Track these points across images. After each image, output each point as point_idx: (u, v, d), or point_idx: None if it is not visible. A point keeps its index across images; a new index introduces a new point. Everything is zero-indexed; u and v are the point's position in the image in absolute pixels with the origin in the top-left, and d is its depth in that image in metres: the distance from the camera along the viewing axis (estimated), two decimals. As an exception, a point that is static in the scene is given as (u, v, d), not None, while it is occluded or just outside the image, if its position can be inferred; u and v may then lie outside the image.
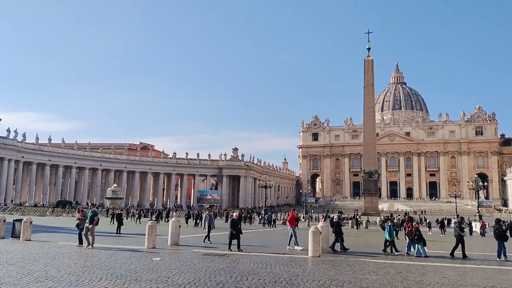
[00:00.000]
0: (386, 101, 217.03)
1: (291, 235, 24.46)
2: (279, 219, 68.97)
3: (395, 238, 36.56)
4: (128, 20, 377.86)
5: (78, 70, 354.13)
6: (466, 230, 53.54)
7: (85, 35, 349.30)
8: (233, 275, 14.05)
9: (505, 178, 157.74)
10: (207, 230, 27.70)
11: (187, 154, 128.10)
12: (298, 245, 23.96)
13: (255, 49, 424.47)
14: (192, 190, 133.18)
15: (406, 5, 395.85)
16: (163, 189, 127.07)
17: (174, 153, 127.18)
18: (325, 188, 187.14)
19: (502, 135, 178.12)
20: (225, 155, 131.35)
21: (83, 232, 21.38)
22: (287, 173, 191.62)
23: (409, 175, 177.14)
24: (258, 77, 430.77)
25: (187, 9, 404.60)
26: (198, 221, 48.30)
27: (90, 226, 21.25)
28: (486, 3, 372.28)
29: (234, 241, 21.78)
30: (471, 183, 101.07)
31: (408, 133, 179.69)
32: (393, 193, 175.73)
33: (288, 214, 36.98)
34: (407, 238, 23.85)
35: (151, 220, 45.79)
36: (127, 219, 59.46)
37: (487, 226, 52.18)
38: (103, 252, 19.87)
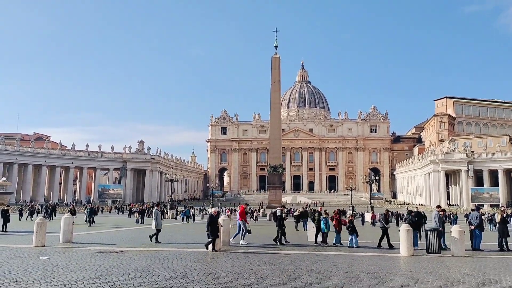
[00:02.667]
0: (292, 98, 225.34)
1: (239, 229, 24.14)
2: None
3: (296, 229, 38.36)
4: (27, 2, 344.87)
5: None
6: (368, 221, 57.61)
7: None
8: (126, 272, 13.51)
9: (394, 173, 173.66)
10: (156, 228, 23.89)
11: (87, 146, 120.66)
12: (243, 240, 23.67)
13: (167, 40, 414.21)
14: (93, 184, 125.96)
15: (312, 7, 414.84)
16: (60, 184, 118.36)
17: (73, 145, 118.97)
18: (233, 182, 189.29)
19: (393, 133, 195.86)
20: (130, 147, 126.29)
21: None
22: (195, 167, 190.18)
23: (311, 169, 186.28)
24: (168, 69, 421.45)
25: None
26: (52, 216, 45.81)
27: None
28: (388, 9, 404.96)
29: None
30: (365, 177, 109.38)
31: (311, 130, 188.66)
32: (297, 187, 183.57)
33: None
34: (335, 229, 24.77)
35: (44, 216, 42.33)
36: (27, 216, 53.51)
37: (377, 216, 56.83)
38: (-19, 253, 17.94)
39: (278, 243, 24.09)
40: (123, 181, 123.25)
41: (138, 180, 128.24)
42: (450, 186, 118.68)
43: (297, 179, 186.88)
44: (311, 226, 43.44)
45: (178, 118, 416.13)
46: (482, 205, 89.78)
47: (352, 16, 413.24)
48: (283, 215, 26.11)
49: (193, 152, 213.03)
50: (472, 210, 24.83)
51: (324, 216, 25.53)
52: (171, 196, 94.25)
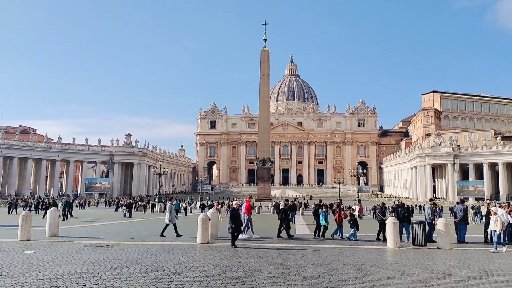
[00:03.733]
0: (281, 92, 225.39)
1: (246, 224, 24.01)
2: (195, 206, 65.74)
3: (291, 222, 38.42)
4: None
5: None
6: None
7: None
8: (113, 266, 13.42)
9: (382, 166, 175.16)
10: (172, 223, 23.37)
11: (74, 139, 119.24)
12: (253, 233, 23.82)
13: (156, 32, 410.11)
14: (80, 177, 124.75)
15: (302, 0, 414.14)
16: (46, 177, 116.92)
17: (59, 138, 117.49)
18: (222, 175, 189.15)
19: (381, 127, 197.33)
20: (118, 141, 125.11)
21: None
22: (184, 160, 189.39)
23: (300, 163, 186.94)
24: (157, 61, 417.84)
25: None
26: (38, 209, 46.58)
27: None
28: (376, 4, 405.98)
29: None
30: (353, 170, 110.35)
31: (300, 123, 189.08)
32: (285, 180, 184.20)
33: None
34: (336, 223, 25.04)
35: (29, 210, 41.77)
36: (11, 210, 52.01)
37: (364, 209, 57.43)
38: (-36, 247, 17.64)
39: (287, 236, 24.03)
40: (110, 175, 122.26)
41: (125, 173, 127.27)
42: (436, 180, 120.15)
43: (285, 173, 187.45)
44: (299, 219, 43.74)
45: (167, 111, 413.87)
46: (468, 198, 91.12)
47: (341, 10, 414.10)
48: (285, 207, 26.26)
49: (182, 146, 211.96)
50: (457, 203, 25.13)
51: (324, 210, 25.40)
52: (159, 189, 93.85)
